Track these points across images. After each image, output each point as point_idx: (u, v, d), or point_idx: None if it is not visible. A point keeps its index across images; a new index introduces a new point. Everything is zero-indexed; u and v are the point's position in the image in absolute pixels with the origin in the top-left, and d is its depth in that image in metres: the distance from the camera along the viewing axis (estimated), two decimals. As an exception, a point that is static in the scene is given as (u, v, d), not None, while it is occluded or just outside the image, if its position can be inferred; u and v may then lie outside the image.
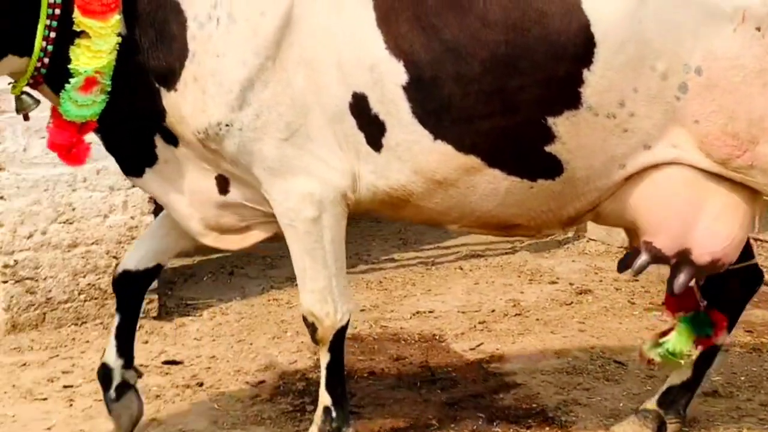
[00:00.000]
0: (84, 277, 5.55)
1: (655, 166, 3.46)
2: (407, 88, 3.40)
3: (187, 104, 3.45)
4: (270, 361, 5.13)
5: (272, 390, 4.76)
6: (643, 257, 3.57)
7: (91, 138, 3.60)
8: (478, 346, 5.31)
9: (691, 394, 4.06)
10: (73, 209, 5.48)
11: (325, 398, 3.81)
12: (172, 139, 3.58)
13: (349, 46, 3.40)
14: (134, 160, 3.69)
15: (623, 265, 3.67)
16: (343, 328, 3.73)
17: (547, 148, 3.43)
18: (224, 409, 4.53)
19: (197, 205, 3.70)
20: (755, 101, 3.31)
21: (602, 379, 4.81)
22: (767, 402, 4.52)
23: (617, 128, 3.39)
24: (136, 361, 4.17)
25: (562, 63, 3.33)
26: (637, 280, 6.02)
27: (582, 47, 3.33)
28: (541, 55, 3.34)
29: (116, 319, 4.03)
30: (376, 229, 7.76)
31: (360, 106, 3.44)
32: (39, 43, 3.35)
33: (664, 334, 3.88)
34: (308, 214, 3.54)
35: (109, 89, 3.43)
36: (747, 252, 3.84)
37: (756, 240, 5.70)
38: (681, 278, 3.58)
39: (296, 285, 3.77)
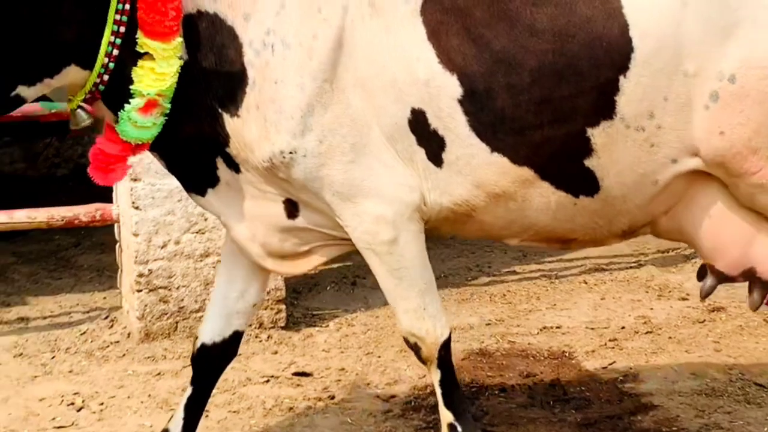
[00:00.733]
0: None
1: (701, 190, 3.42)
2: (462, 101, 3.35)
3: (250, 131, 3.39)
4: (399, 375, 5.10)
5: (403, 405, 4.74)
6: (710, 281, 3.56)
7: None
8: (611, 364, 5.19)
9: None
10: (206, 219, 5.55)
11: (446, 415, 3.73)
12: (234, 164, 3.51)
13: (401, 64, 3.36)
14: (196, 180, 3.62)
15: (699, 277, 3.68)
16: (447, 342, 3.65)
17: (586, 162, 3.38)
18: (357, 424, 4.53)
19: (260, 229, 3.61)
20: None
21: (743, 402, 4.66)
22: None
23: (645, 143, 3.33)
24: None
25: (602, 70, 3.29)
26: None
27: (619, 52, 3.27)
28: (585, 62, 3.29)
29: (188, 391, 3.93)
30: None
31: (418, 123, 3.39)
32: (101, 58, 3.30)
33: None
34: (385, 237, 3.47)
35: (168, 112, 3.37)
36: None
37: None
38: (754, 296, 3.55)
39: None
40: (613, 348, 5.44)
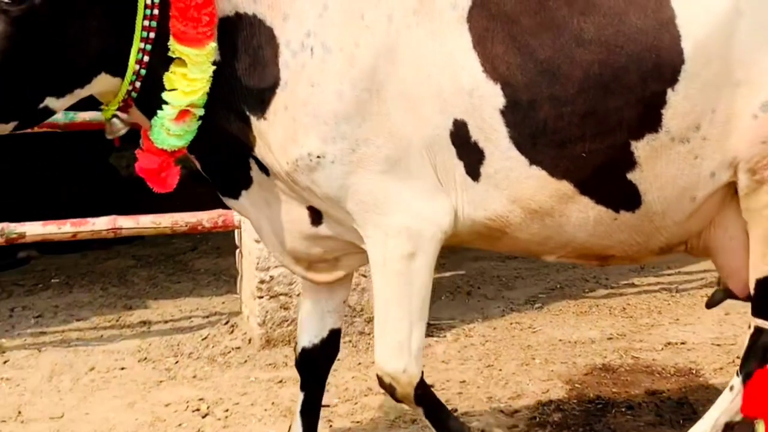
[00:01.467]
0: (335, 294, 5.61)
1: (723, 215, 3.41)
2: (505, 112, 3.25)
3: (276, 133, 3.31)
4: (521, 389, 5.03)
5: (528, 421, 4.66)
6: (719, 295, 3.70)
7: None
8: (741, 383, 5.03)
9: None
10: (327, 228, 5.54)
11: None
12: (264, 167, 3.45)
13: (447, 72, 3.26)
14: (230, 182, 3.55)
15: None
16: (422, 381, 3.50)
17: (629, 176, 3.30)
18: (483, 439, 4.48)
19: (287, 234, 3.54)
20: None
21: None
22: None
23: (689, 155, 3.26)
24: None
25: (650, 82, 3.19)
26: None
27: (670, 65, 3.18)
28: (633, 74, 3.20)
29: (301, 397, 3.96)
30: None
31: (460, 134, 3.29)
32: (132, 66, 3.23)
33: None
34: (404, 251, 3.34)
35: (202, 116, 3.31)
36: None
37: None
38: None
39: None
40: (742, 366, 5.27)
